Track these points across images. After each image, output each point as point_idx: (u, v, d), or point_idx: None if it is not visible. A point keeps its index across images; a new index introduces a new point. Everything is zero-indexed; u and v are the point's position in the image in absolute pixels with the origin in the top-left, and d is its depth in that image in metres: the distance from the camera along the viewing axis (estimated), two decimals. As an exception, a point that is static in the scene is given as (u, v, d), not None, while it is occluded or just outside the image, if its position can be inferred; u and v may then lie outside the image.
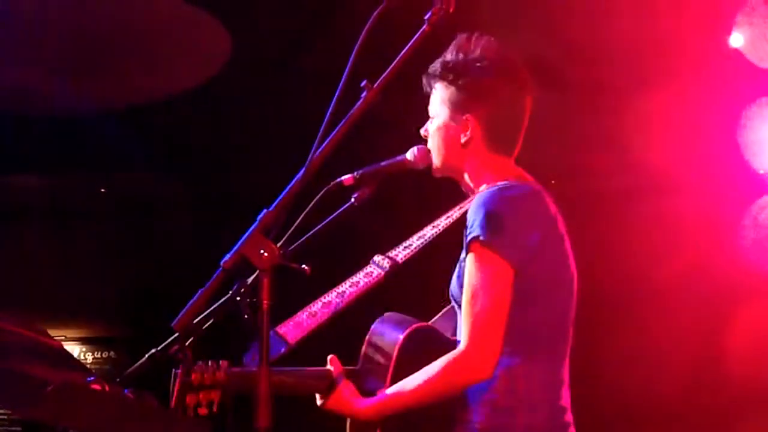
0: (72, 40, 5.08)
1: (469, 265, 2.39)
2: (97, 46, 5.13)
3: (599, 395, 5.19)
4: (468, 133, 2.54)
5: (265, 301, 1.89)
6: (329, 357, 2.57)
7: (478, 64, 2.54)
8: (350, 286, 2.64)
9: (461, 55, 2.57)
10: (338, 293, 2.61)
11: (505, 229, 2.37)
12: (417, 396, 2.40)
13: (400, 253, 2.71)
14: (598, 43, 4.60)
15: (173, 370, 2.10)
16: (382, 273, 2.67)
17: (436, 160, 2.62)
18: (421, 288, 2.83)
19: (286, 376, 2.45)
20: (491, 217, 2.37)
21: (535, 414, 2.40)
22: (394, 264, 2.68)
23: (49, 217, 7.08)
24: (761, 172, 5.03)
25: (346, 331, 2.69)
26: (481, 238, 2.35)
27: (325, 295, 2.62)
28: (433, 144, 2.62)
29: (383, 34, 2.09)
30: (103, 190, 6.95)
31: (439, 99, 2.59)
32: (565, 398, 2.49)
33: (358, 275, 2.67)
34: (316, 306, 2.59)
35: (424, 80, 2.63)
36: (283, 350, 2.47)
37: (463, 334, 2.37)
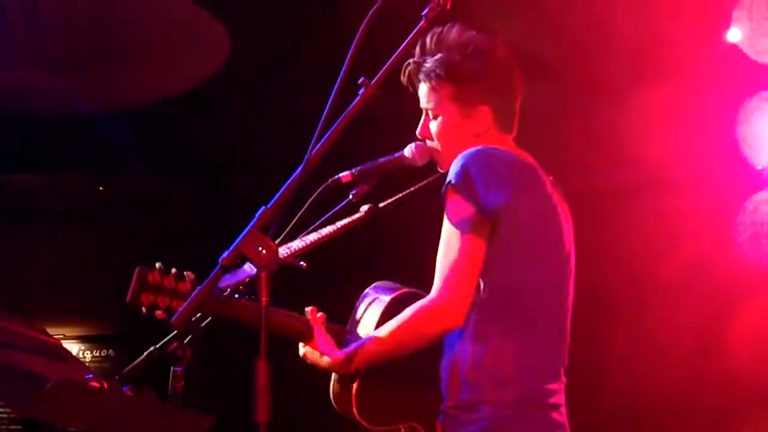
0: (71, 40, 5.08)
1: (446, 214, 2.38)
2: (96, 46, 5.13)
3: (600, 393, 5.20)
4: (484, 123, 2.56)
5: (264, 298, 1.89)
6: (307, 309, 2.55)
7: (476, 55, 2.55)
8: (331, 227, 2.65)
9: (454, 50, 2.55)
10: (318, 232, 2.61)
11: (478, 177, 2.36)
12: (387, 344, 2.37)
13: (384, 203, 2.74)
14: (594, 39, 4.60)
15: (172, 367, 2.10)
16: (362, 215, 2.69)
17: (449, 158, 2.56)
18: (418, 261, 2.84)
19: (275, 313, 2.40)
20: (466, 166, 2.38)
21: (503, 391, 2.33)
22: (374, 207, 2.70)
23: (47, 215, 7.09)
24: (759, 167, 5.03)
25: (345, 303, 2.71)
26: (452, 182, 2.36)
27: (305, 235, 2.60)
28: (445, 142, 2.60)
29: (381, 31, 2.09)
30: (101, 188, 6.95)
31: (442, 97, 2.58)
32: (553, 381, 2.42)
33: (340, 221, 2.67)
34: (294, 242, 2.55)
35: (421, 77, 2.60)
36: (254, 273, 2.43)
37: (436, 282, 2.35)
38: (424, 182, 2.74)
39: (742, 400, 5.14)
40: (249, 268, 2.34)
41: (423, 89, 2.62)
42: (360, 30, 2.07)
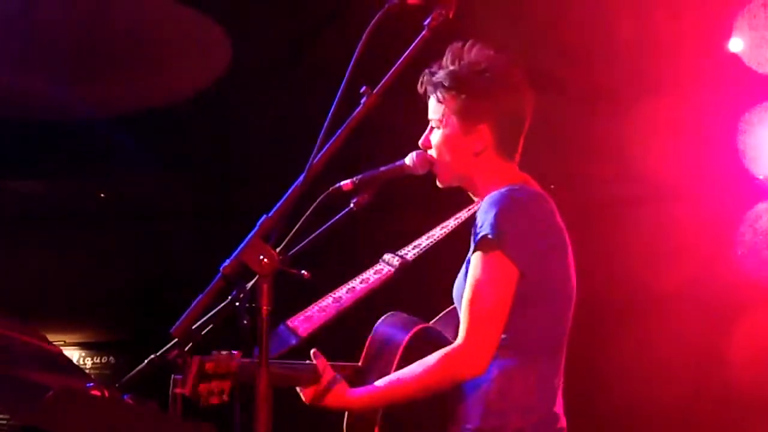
0: (73, 46, 5.08)
1: (474, 262, 2.41)
2: (99, 51, 5.14)
3: (601, 403, 5.19)
4: (482, 142, 2.57)
5: (265, 307, 1.89)
6: (312, 351, 2.55)
7: (487, 74, 2.56)
8: (360, 283, 2.66)
9: (465, 65, 2.57)
10: (348, 289, 2.63)
11: (515, 231, 2.39)
12: (409, 387, 2.40)
13: (410, 251, 2.73)
14: (596, 49, 4.61)
15: (172, 375, 2.09)
16: (392, 270, 2.68)
17: (446, 171, 2.62)
18: (426, 288, 2.84)
19: (276, 366, 2.41)
20: (502, 218, 2.39)
21: (527, 418, 2.41)
22: (404, 262, 2.69)
23: (49, 221, 7.08)
24: (760, 177, 5.03)
25: (353, 329, 2.70)
26: (490, 236, 2.38)
27: (336, 291, 2.64)
28: (442, 155, 2.61)
29: (383, 39, 2.09)
30: (102, 195, 6.95)
31: (447, 109, 2.59)
32: (559, 405, 2.51)
33: (368, 272, 2.69)
34: (327, 301, 2.61)
35: (429, 88, 2.62)
36: (294, 342, 2.47)
37: (461, 329, 2.38)
38: (451, 228, 2.74)
39: (742, 411, 5.13)
40: (284, 334, 2.38)
41: (432, 100, 2.63)
42: (363, 38, 2.08)
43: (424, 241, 2.74)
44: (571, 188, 5.04)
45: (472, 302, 2.38)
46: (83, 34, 4.99)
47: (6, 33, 4.89)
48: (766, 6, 4.49)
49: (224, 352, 2.28)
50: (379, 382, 2.44)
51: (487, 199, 2.47)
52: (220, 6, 4.78)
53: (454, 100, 2.57)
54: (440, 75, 2.58)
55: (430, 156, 2.63)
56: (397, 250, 2.73)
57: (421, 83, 2.63)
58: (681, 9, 4.43)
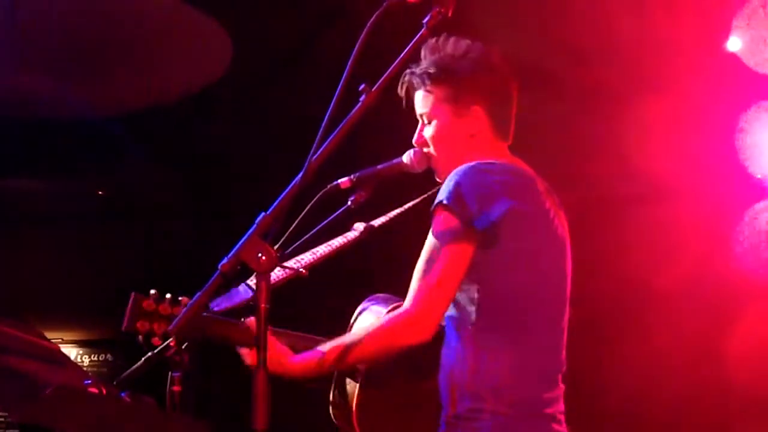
0: (73, 45, 5.09)
1: (431, 229, 2.37)
2: (99, 51, 5.15)
3: (600, 401, 5.19)
4: (477, 123, 2.56)
5: (263, 304, 1.89)
6: (247, 320, 2.43)
7: (469, 57, 2.56)
8: (325, 246, 2.63)
9: (446, 54, 2.57)
10: (312, 252, 2.59)
11: (471, 195, 2.34)
12: (351, 352, 2.34)
13: (378, 220, 2.73)
14: (594, 48, 4.61)
15: (170, 373, 2.10)
16: (357, 234, 2.68)
17: (444, 164, 2.58)
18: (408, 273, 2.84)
19: (215, 320, 2.34)
20: (459, 184, 2.36)
21: (502, 398, 2.31)
22: (369, 227, 2.69)
23: (46, 219, 7.09)
24: (759, 176, 5.04)
25: (341, 315, 2.70)
26: (444, 201, 2.34)
27: (301, 256, 2.59)
28: (438, 146, 2.60)
29: (382, 37, 2.09)
30: (100, 192, 6.95)
31: (435, 99, 2.58)
32: (550, 388, 2.41)
33: (335, 239, 2.66)
34: (288, 263, 2.54)
35: (415, 81, 2.60)
36: (248, 296, 2.39)
37: (409, 294, 2.34)
38: (420, 198, 2.74)
39: (741, 408, 5.14)
40: (243, 290, 2.35)
41: (418, 96, 2.62)
42: (362, 36, 2.07)
43: (395, 212, 2.75)
44: (570, 187, 5.04)
45: (424, 268, 2.33)
46: (84, 33, 4.99)
47: (5, 32, 4.89)
48: (765, 5, 4.49)
49: (169, 295, 2.29)
50: (321, 347, 2.38)
51: (454, 170, 2.43)
52: (221, 6, 4.78)
53: (443, 87, 2.57)
54: (423, 65, 2.57)
55: (428, 152, 2.63)
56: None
57: (402, 84, 2.61)
58: (679, 9, 4.43)
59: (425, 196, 2.71)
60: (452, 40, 2.58)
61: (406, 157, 2.64)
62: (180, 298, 2.33)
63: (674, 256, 5.25)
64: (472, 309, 2.35)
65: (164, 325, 2.27)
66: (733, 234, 5.14)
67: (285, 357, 2.40)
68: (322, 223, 2.52)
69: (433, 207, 2.38)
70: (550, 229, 2.49)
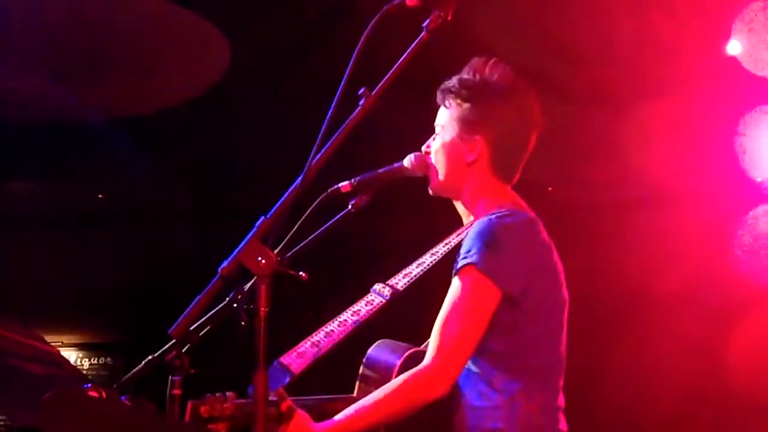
0: (72, 49, 5.09)
1: (453, 286, 2.41)
2: (99, 54, 5.15)
3: (600, 407, 5.19)
4: (475, 153, 2.56)
5: (263, 308, 1.89)
6: (276, 391, 2.44)
7: (494, 88, 2.56)
8: (351, 315, 2.62)
9: (478, 77, 2.58)
10: (340, 322, 2.58)
11: (503, 258, 2.39)
12: (376, 413, 2.36)
13: (401, 281, 2.69)
14: (594, 52, 4.61)
15: (170, 376, 2.09)
16: (383, 301, 2.65)
17: (438, 177, 2.61)
18: (417, 315, 2.82)
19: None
20: (487, 245, 2.39)
21: None
22: (395, 292, 2.66)
23: (46, 223, 7.09)
24: (759, 180, 5.04)
25: (344, 358, 2.68)
26: (478, 266, 2.37)
27: (327, 325, 2.59)
28: (437, 159, 2.62)
29: (382, 41, 2.09)
30: (100, 196, 6.95)
31: (450, 116, 2.60)
32: (563, 423, 2.51)
33: (359, 303, 2.65)
34: (319, 335, 2.56)
35: (439, 95, 2.64)
36: (287, 380, 2.44)
37: (430, 350, 2.37)
38: (440, 255, 2.71)
39: (740, 412, 5.13)
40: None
41: (441, 107, 2.65)
42: (361, 40, 2.07)
43: (415, 270, 2.71)
44: (570, 191, 5.05)
45: (443, 324, 2.37)
46: (83, 37, 4.99)
47: (6, 36, 4.89)
48: (765, 9, 4.49)
49: (218, 394, 2.28)
50: (343, 413, 2.39)
51: (476, 225, 2.46)
52: (219, 10, 4.78)
53: (458, 106, 2.58)
54: (452, 81, 2.60)
55: (428, 159, 2.64)
56: (387, 279, 2.70)
57: (438, 91, 2.65)
58: (680, 13, 4.43)
59: (445, 250, 2.70)
60: (497, 66, 2.59)
61: (407, 162, 2.65)
62: (227, 394, 2.32)
63: (674, 260, 5.25)
64: (493, 361, 2.41)
65: (217, 426, 2.25)
66: (734, 238, 5.14)
67: (309, 426, 2.38)
68: (323, 227, 2.52)
69: (461, 265, 2.41)
70: (558, 274, 2.54)
